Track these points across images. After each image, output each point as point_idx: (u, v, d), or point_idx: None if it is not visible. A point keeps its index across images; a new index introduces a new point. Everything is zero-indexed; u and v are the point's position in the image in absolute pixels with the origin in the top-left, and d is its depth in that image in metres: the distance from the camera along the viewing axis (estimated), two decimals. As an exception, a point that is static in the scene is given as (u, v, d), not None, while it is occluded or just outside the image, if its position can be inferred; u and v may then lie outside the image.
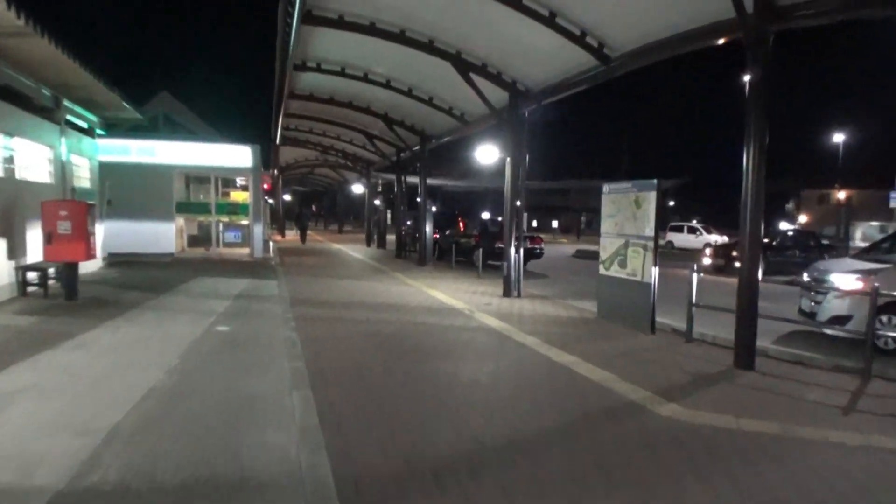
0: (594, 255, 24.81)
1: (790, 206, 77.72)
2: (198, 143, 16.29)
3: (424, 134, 17.15)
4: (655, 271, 8.16)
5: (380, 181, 26.75)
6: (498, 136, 13.21)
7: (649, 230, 8.22)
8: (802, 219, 68.77)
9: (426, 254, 17.59)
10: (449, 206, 40.76)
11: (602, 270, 9.23)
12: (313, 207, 51.11)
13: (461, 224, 22.76)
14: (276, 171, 31.72)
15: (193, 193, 18.33)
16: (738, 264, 6.75)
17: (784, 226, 38.91)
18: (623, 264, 8.73)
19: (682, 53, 7.96)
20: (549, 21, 8.32)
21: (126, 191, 15.63)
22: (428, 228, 17.64)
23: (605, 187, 9.24)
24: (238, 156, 16.28)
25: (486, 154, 11.30)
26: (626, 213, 8.67)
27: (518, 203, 11.34)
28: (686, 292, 7.74)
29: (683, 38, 7.63)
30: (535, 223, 60.40)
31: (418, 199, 21.48)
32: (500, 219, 20.10)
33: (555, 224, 65.58)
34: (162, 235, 16.02)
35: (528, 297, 11.31)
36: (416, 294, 11.05)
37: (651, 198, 8.22)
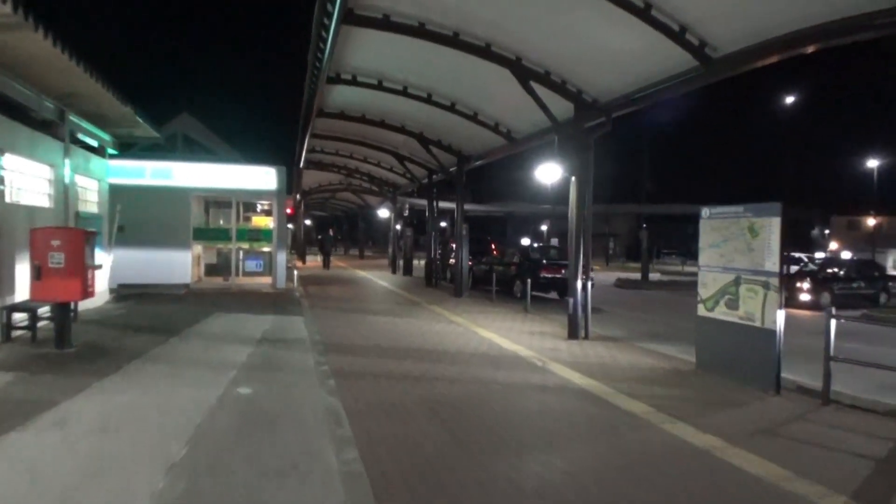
0: (636, 285, 23.18)
1: (815, 232, 75.34)
2: (218, 165, 15.04)
3: (462, 154, 15.75)
4: (781, 316, 6.53)
5: (406, 205, 25.43)
6: (547, 155, 11.81)
7: (771, 264, 6.61)
8: (833, 245, 66.42)
9: (462, 284, 16.04)
10: (473, 231, 39.39)
11: (702, 311, 7.60)
12: (330, 232, 49.91)
13: (494, 250, 21.27)
14: (298, 196, 30.58)
15: (212, 219, 17.04)
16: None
17: (845, 254, 36.49)
18: (733, 305, 7.10)
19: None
20: (643, 14, 6.85)
21: (139, 216, 14.33)
22: (464, 256, 16.11)
23: (705, 211, 7.65)
24: (262, 178, 14.99)
25: (548, 173, 9.82)
26: (738, 242, 7.07)
27: (584, 229, 9.78)
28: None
29: (816, 32, 6.14)
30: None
31: (442, 224, 20.10)
32: (540, 245, 18.64)
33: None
34: (177, 265, 14.69)
35: (597, 338, 9.70)
36: (466, 335, 9.47)
37: (773, 225, 6.62)
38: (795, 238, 70.78)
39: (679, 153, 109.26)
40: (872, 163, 43.97)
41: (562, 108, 9.79)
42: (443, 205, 43.24)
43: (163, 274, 14.55)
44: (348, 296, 15.33)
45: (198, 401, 5.25)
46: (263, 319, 10.35)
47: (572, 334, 9.67)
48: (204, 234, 15.06)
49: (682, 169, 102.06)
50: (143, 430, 4.51)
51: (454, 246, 21.61)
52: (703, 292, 7.62)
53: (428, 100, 12.14)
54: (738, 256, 7.08)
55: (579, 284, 9.72)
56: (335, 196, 37.28)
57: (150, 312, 10.92)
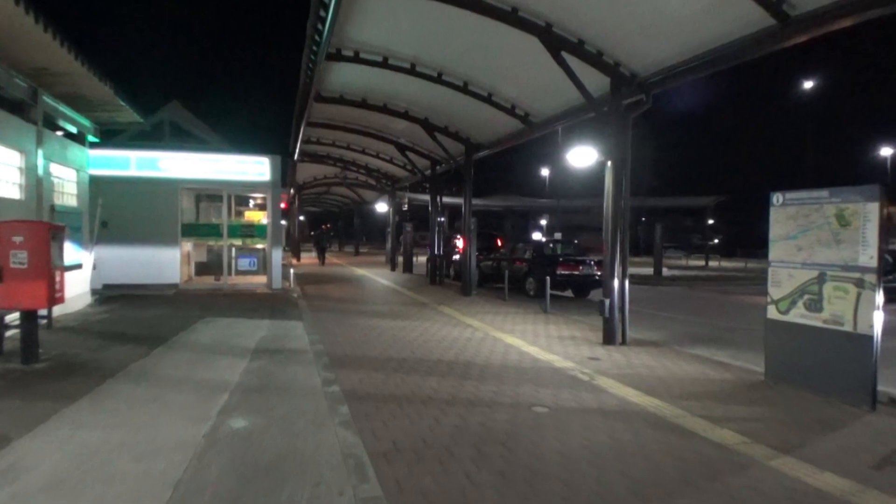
0: (650, 281, 22.14)
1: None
2: (209, 155, 13.81)
3: (470, 142, 14.63)
4: (878, 319, 5.48)
5: (406, 199, 24.32)
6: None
7: (868, 258, 5.55)
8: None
9: (470, 282, 14.94)
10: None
11: (774, 314, 6.54)
12: (324, 227, 48.67)
13: (500, 246, 20.18)
14: (292, 190, 29.37)
15: (203, 214, 15.84)
16: None
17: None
18: (815, 307, 6.05)
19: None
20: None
21: (124, 211, 13.18)
22: (473, 252, 15.00)
23: (777, 197, 6.56)
24: (255, 169, 13.80)
25: (582, 156, 8.71)
26: (821, 233, 6.00)
27: (622, 220, 8.70)
28: None
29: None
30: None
31: (440, 220, 18.96)
32: (553, 239, 17.53)
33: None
34: (165, 263, 13.51)
35: (635, 344, 8.63)
36: (488, 342, 8.38)
37: (870, 212, 5.56)
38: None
39: (677, 144, 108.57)
40: (886, 150, 43.17)
41: (593, 84, 8.69)
42: (424, 198, 42.08)
43: (150, 274, 13.39)
44: (349, 296, 14.19)
45: (181, 440, 4.13)
46: (259, 325, 9.21)
47: (608, 339, 8.61)
48: (194, 231, 13.87)
49: (681, 161, 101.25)
50: (108, 487, 3.39)
51: (458, 242, 20.54)
52: (775, 292, 6.56)
53: (438, 79, 11.01)
54: (821, 250, 6.01)
55: (616, 283, 8.65)
56: (330, 191, 36.04)
57: (135, 317, 9.76)
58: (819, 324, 5.98)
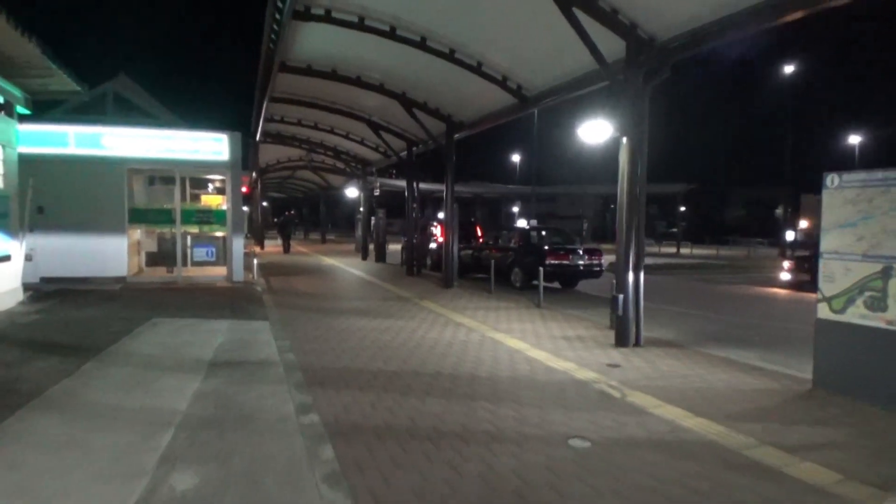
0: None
1: (779, 211, 75.96)
2: (160, 131, 12.18)
3: (452, 121, 13.40)
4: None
5: (378, 183, 22.94)
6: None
7: (959, 252, 4.60)
8: (803, 224, 66.89)
9: (452, 273, 13.78)
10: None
11: (826, 313, 5.61)
12: (288, 213, 46.71)
13: (479, 234, 19.07)
14: (254, 174, 27.62)
15: (157, 198, 14.22)
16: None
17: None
18: (878, 305, 5.13)
19: None
20: None
21: (62, 194, 11.58)
22: (454, 241, 13.83)
23: (832, 178, 5.58)
24: (212, 147, 12.27)
25: (595, 131, 7.58)
26: (889, 219, 5.04)
27: (638, 205, 7.65)
28: None
29: None
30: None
31: (415, 206, 17.73)
32: (540, 227, 16.46)
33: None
34: (111, 254, 11.95)
35: (651, 344, 7.63)
36: (488, 346, 7.25)
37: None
38: (762, 219, 71.39)
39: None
40: (854, 139, 43.60)
41: (605, 49, 7.56)
42: (400, 184, 40.64)
43: (93, 265, 11.82)
44: (321, 290, 12.87)
45: (95, 518, 2.87)
46: (217, 327, 7.86)
47: (622, 340, 7.58)
48: (143, 216, 12.29)
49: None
50: None
51: (435, 230, 19.34)
52: (828, 288, 5.60)
53: (421, 44, 9.72)
54: (888, 240, 5.07)
55: (631, 277, 7.61)
56: (295, 175, 34.24)
57: (70, 318, 8.29)
58: (882, 325, 5.08)
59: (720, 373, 6.23)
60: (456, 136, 13.52)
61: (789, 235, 65.51)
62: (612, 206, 68.76)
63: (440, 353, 6.75)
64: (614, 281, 8.33)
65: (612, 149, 7.84)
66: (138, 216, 12.16)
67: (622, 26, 7.24)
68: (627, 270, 7.62)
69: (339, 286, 13.79)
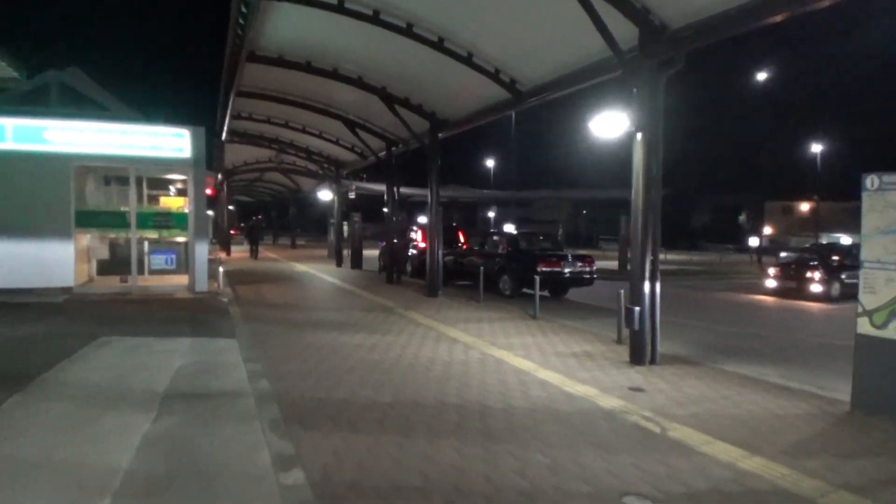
0: (614, 274, 20.79)
1: (742, 218, 77.26)
2: (113, 125, 10.95)
3: (436, 118, 12.52)
4: None
5: (353, 186, 21.90)
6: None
7: None
8: (767, 230, 68.01)
9: (438, 281, 12.87)
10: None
11: (866, 328, 4.97)
12: (256, 218, 45.11)
13: (462, 239, 18.20)
14: (220, 175, 26.26)
15: (111, 199, 12.95)
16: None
17: (846, 240, 34.90)
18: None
19: None
20: None
21: (-2, 194, 10.31)
22: (438, 247, 12.92)
23: (871, 180, 4.92)
24: (172, 143, 11.10)
25: (608, 125, 6.77)
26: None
27: (653, 208, 6.88)
28: None
29: None
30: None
31: (384, 210, 16.85)
32: (528, 232, 15.66)
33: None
34: (55, 261, 10.68)
35: (665, 361, 6.87)
36: (491, 366, 6.37)
37: None
38: (727, 225, 72.33)
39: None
40: (816, 147, 44.30)
41: (622, 35, 6.80)
42: (376, 188, 39.54)
43: (34, 274, 10.54)
44: (295, 300, 11.80)
45: None
46: (175, 347, 6.78)
47: (637, 357, 6.79)
48: (92, 219, 11.01)
49: (615, 152, 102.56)
50: None
51: (414, 234, 18.43)
52: (869, 300, 4.94)
53: (407, 31, 8.83)
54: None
55: (647, 288, 6.82)
56: (262, 178, 32.86)
57: (0, 338, 7.11)
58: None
59: (749, 394, 5.56)
60: (440, 135, 12.63)
61: (753, 241, 66.59)
62: (585, 212, 68.80)
63: (439, 376, 5.83)
64: (623, 291, 7.61)
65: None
66: (87, 219, 10.90)
67: (635, 11, 6.47)
68: (643, 280, 6.84)
69: (314, 295, 12.74)
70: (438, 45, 9.07)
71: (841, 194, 49.43)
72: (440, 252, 12.99)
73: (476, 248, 14.96)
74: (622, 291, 8.11)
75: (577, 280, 12.66)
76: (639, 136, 6.77)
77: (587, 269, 12.88)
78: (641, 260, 6.87)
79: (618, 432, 4.41)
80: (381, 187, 39.78)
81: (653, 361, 6.83)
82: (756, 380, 6.19)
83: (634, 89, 6.82)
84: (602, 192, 51.47)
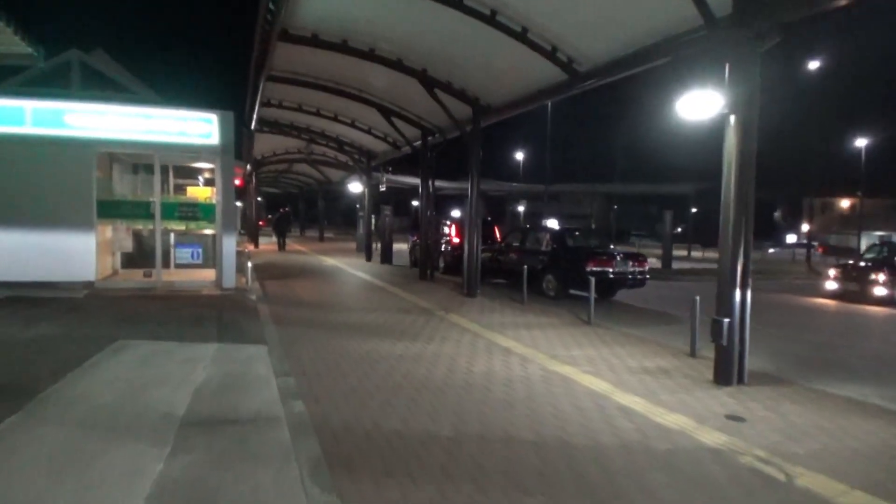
0: (657, 273, 19.69)
1: (778, 215, 74.77)
2: (137, 108, 10.27)
3: (479, 104, 11.60)
4: None
5: (385, 178, 21.06)
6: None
7: None
8: (805, 228, 65.55)
9: (476, 280, 11.99)
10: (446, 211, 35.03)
11: None
12: (283, 210, 44.73)
13: (498, 235, 17.30)
14: (249, 166, 25.74)
15: (136, 188, 12.35)
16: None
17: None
18: None
19: None
20: None
21: (16, 181, 9.79)
22: (477, 243, 12.03)
23: None
24: (199, 129, 10.39)
25: (698, 104, 5.79)
26: None
27: (749, 204, 5.92)
28: None
29: None
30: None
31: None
32: (575, 228, 14.63)
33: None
34: (76, 254, 10.09)
35: (755, 379, 5.95)
36: (558, 386, 5.49)
37: None
38: (760, 221, 69.91)
39: (649, 131, 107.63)
40: (860, 142, 42.20)
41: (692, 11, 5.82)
42: (406, 180, 38.75)
43: (54, 267, 9.95)
44: (326, 298, 11.05)
45: None
46: (199, 354, 6.03)
47: (724, 377, 5.86)
48: (115, 209, 10.38)
49: (653, 147, 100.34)
50: None
51: (447, 229, 17.58)
52: None
53: (457, 3, 7.93)
54: None
55: (738, 296, 5.87)
56: (291, 169, 32.32)
57: (10, 340, 6.45)
58: None
59: (860, 422, 4.77)
60: (484, 121, 11.73)
61: (790, 238, 64.22)
62: (615, 207, 67.10)
63: (501, 400, 4.96)
64: (698, 297, 6.68)
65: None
66: (110, 209, 10.27)
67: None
68: (734, 287, 5.88)
69: (346, 292, 11.98)
70: (490, 19, 8.15)
71: (885, 190, 47.21)
72: (478, 249, 12.09)
73: (516, 244, 14.03)
74: (697, 298, 7.22)
75: (630, 281, 11.66)
76: (732, 118, 5.79)
77: (640, 268, 11.87)
78: (732, 263, 5.91)
79: (737, 481, 3.52)
80: (410, 180, 39.14)
81: (741, 381, 5.90)
82: (861, 403, 5.35)
83: (728, 64, 5.83)
84: (635, 187, 50.07)
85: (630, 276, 11.63)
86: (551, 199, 56.51)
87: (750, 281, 6.00)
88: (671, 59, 7.22)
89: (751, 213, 5.97)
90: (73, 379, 4.95)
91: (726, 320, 5.85)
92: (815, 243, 51.27)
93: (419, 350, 6.75)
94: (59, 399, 4.44)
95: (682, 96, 5.84)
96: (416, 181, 36.04)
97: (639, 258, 12.06)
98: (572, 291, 11.71)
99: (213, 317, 8.13)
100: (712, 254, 39.68)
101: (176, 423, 4.02)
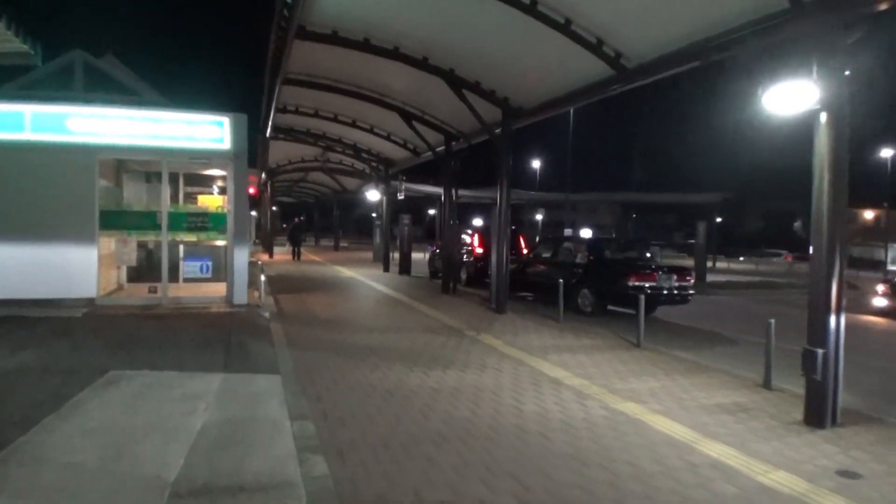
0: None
1: (798, 225, 72.99)
2: (143, 111, 9.55)
3: (509, 105, 10.76)
4: None
5: (403, 187, 20.30)
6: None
7: None
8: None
9: (505, 296, 11.09)
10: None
11: None
12: (298, 219, 44.18)
13: (523, 245, 16.39)
14: (264, 175, 25.12)
15: (142, 197, 11.63)
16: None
17: None
18: None
19: None
20: None
21: (13, 189, 9.11)
22: (505, 254, 11.15)
23: None
24: (210, 133, 9.63)
25: (787, 97, 4.87)
26: None
27: (842, 210, 5.00)
28: None
29: None
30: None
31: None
32: (612, 239, 13.64)
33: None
34: (76, 268, 9.36)
35: (850, 420, 4.99)
36: (628, 432, 4.57)
37: None
38: (779, 232, 68.20)
39: (666, 138, 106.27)
40: (887, 152, 40.86)
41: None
42: (422, 189, 37.91)
43: (53, 283, 9.22)
44: (345, 315, 10.20)
45: None
46: (201, 390, 5.18)
47: (817, 418, 4.94)
48: (118, 220, 9.60)
49: (669, 155, 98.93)
50: None
51: (469, 238, 16.73)
52: None
53: (496, -9, 7.11)
54: None
55: (833, 322, 4.93)
56: (307, 178, 31.68)
57: (-11, 367, 5.67)
58: None
59: None
60: (514, 124, 10.87)
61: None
62: (634, 216, 65.72)
63: (566, 456, 4.05)
64: (773, 321, 5.74)
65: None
66: (113, 219, 9.51)
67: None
68: (829, 312, 4.96)
69: (366, 308, 11.13)
70: (530, 8, 7.31)
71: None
72: (506, 261, 11.19)
73: (545, 255, 13.12)
74: (772, 322, 6.26)
75: (676, 297, 10.68)
76: (822, 116, 4.89)
77: (684, 283, 10.90)
78: (826, 285, 4.98)
79: None
80: (426, 188, 38.38)
81: (834, 421, 4.96)
82: None
83: (815, 56, 4.92)
84: (658, 197, 48.86)
85: (675, 292, 10.66)
86: (563, 208, 55.33)
87: (844, 304, 5.06)
88: (736, 52, 6.33)
89: (845, 228, 5.07)
90: (47, 427, 4.12)
91: (821, 351, 4.92)
92: (784, 252, 49.74)
93: (455, 381, 5.86)
94: (24, 457, 3.61)
95: (770, 88, 4.93)
96: (432, 189, 35.50)
97: (682, 272, 11.10)
98: (610, 306, 10.83)
99: (221, 339, 7.30)
100: (737, 266, 38.51)
101: (165, 493, 3.17)
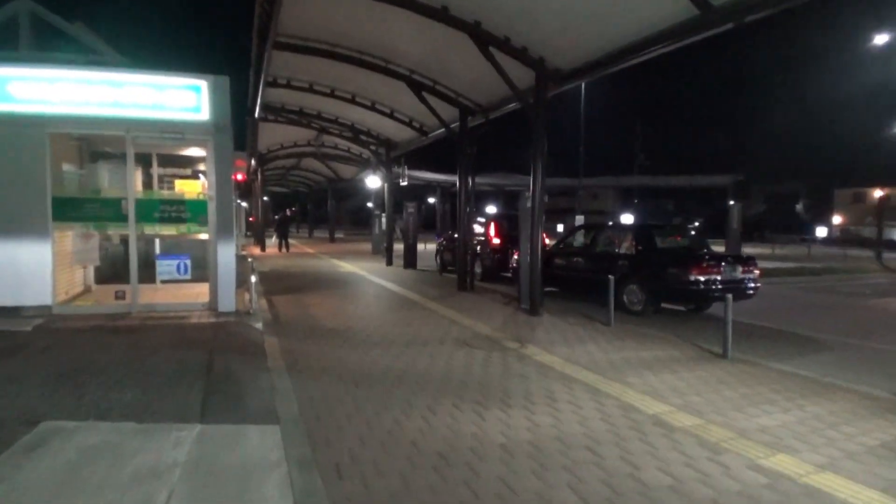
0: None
1: (800, 206, 71.76)
2: (102, 73, 7.73)
3: (544, 67, 9.06)
4: None
5: (405, 172, 18.56)
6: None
7: None
8: (837, 219, 62.53)
9: (539, 294, 9.43)
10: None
11: None
12: (289, 211, 42.36)
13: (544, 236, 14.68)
14: (254, 161, 23.30)
15: (104, 182, 9.81)
16: None
17: None
18: None
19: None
20: None
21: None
22: (537, 248, 9.47)
23: None
24: (183, 99, 7.83)
25: None
26: None
27: None
28: None
29: None
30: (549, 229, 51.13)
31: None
32: (663, 226, 11.96)
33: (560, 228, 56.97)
34: (26, 270, 7.62)
35: None
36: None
37: None
38: (783, 214, 66.86)
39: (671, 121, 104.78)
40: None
41: None
42: (424, 175, 36.08)
43: (-1, 287, 7.48)
44: (353, 322, 8.50)
45: None
46: (163, 461, 3.50)
47: None
48: (74, 210, 7.80)
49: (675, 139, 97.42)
50: None
51: (482, 228, 15.06)
52: None
53: None
54: None
55: None
56: (300, 165, 29.81)
57: None
58: None
59: None
60: (551, 91, 9.18)
61: (821, 231, 61.39)
62: (636, 201, 64.03)
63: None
64: None
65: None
66: (68, 209, 7.73)
67: None
68: None
69: (376, 313, 9.43)
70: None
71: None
72: (538, 255, 9.51)
73: (579, 245, 11.46)
74: None
75: (741, 291, 9.03)
76: None
77: (751, 275, 9.28)
78: None
79: None
80: (428, 175, 36.50)
81: None
82: None
83: None
84: (665, 180, 47.19)
85: (744, 285, 9.04)
86: (567, 194, 53.63)
87: None
88: None
89: None
90: None
91: None
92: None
93: (528, 429, 4.19)
94: None
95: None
96: (434, 176, 33.52)
97: (747, 262, 9.46)
98: (664, 303, 9.24)
99: (200, 365, 5.59)
100: (751, 249, 37.01)
101: None
